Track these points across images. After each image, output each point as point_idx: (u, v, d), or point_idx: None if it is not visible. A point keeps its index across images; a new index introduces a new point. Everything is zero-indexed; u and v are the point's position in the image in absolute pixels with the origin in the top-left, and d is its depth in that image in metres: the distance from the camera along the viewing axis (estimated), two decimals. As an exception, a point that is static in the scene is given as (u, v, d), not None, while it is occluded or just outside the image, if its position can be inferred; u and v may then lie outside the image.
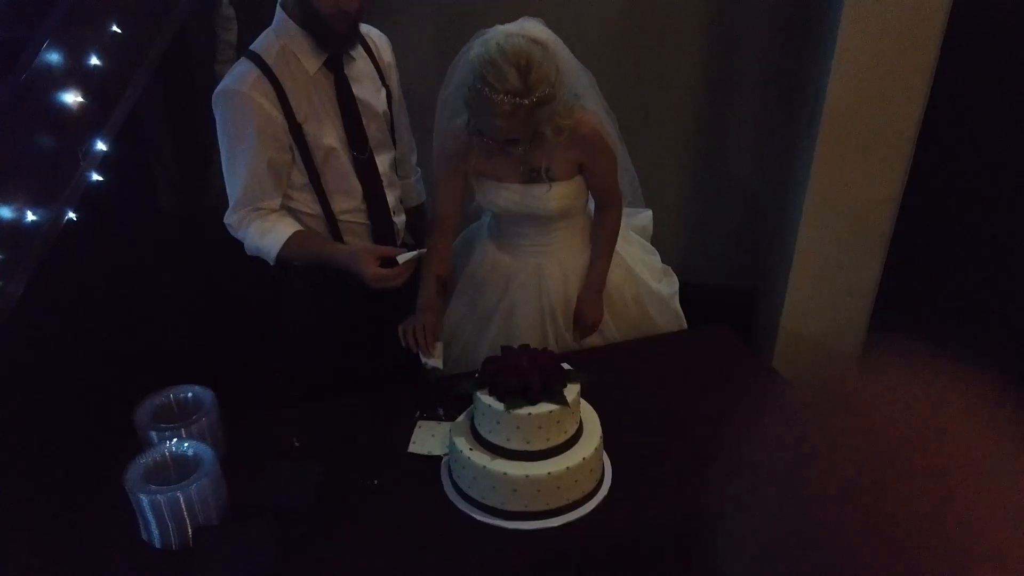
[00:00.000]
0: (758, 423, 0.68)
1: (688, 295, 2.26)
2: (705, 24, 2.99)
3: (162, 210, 4.08)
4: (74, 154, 2.17)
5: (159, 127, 3.85)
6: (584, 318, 2.06)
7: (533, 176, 1.93)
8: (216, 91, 1.78)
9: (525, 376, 1.54)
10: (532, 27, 1.77)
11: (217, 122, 1.81)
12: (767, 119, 3.14)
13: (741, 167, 3.29)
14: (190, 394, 1.72)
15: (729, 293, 3.23)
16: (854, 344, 2.51)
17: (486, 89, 1.67)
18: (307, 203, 1.91)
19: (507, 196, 1.97)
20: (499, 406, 1.53)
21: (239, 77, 1.76)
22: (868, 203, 2.31)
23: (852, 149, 2.26)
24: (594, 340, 2.13)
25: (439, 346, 1.85)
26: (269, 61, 1.76)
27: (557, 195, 1.95)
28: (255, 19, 3.15)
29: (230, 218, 1.87)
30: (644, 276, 2.19)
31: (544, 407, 1.52)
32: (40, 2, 2.11)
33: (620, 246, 2.11)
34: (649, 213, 2.30)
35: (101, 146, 2.23)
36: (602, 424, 1.64)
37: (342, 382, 1.98)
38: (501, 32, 1.73)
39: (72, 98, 2.11)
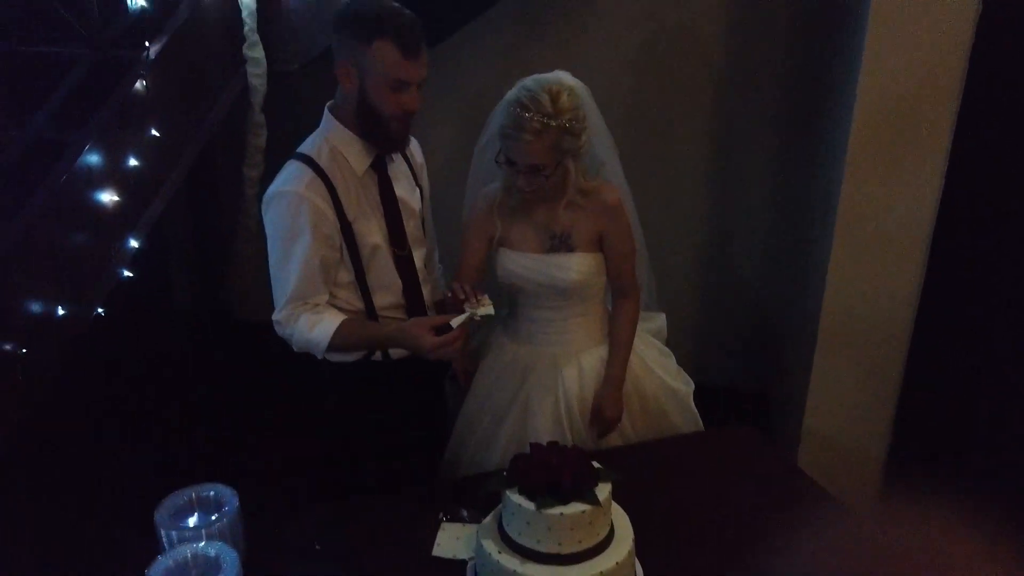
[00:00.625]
0: (792, 546, 0.68)
1: (697, 397, 2.22)
2: (710, 122, 3.11)
3: (178, 307, 4.12)
4: (107, 251, 2.23)
5: (181, 227, 3.95)
6: (603, 413, 2.03)
7: (555, 244, 1.98)
8: (270, 192, 1.82)
9: (556, 474, 1.50)
10: (565, 75, 1.90)
11: (270, 222, 1.83)
12: (775, 217, 3.22)
13: (749, 267, 3.33)
14: (212, 492, 1.67)
15: (738, 395, 3.21)
16: (880, 444, 2.48)
17: (518, 109, 1.80)
18: (350, 300, 1.93)
19: (527, 265, 2.00)
20: (530, 505, 1.48)
21: (294, 178, 1.80)
22: (888, 301, 2.33)
23: (868, 248, 2.30)
24: (612, 439, 2.10)
25: (486, 297, 1.81)
26: (321, 162, 1.81)
27: (576, 266, 1.97)
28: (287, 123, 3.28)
29: (279, 315, 1.87)
30: (661, 374, 2.18)
31: (576, 507, 1.48)
32: (88, 106, 2.22)
33: (637, 346, 2.12)
34: (663, 316, 2.31)
35: (133, 243, 2.29)
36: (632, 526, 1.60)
37: (369, 461, 1.98)
38: (537, 76, 1.88)
39: (108, 197, 2.19)
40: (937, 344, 2.40)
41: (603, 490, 1.53)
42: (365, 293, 1.92)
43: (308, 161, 1.82)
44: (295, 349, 1.89)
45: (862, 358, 2.42)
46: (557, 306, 2.05)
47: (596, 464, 1.59)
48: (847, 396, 2.47)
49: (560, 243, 1.98)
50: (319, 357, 1.89)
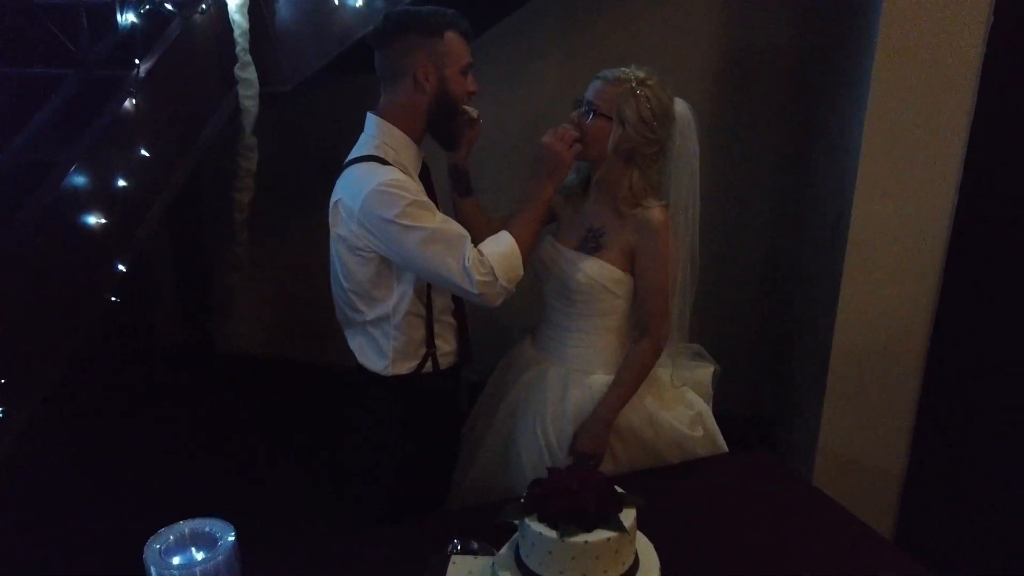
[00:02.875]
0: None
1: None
2: (711, 144, 3.10)
3: (160, 337, 4.01)
4: (93, 275, 2.14)
5: (164, 253, 3.85)
6: (576, 446, 1.94)
7: (587, 238, 1.94)
8: (371, 191, 1.70)
9: (578, 499, 1.42)
10: (681, 101, 1.90)
11: (390, 217, 1.70)
12: (779, 235, 3.20)
13: (751, 289, 3.30)
14: (207, 527, 1.56)
15: (741, 419, 3.12)
16: (898, 462, 2.44)
17: (621, 67, 1.87)
18: (415, 304, 1.86)
19: (551, 255, 1.97)
20: (552, 534, 1.39)
21: (385, 172, 1.73)
22: (903, 318, 2.29)
23: (881, 265, 2.28)
24: (605, 465, 1.99)
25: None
26: (391, 161, 1.78)
27: (587, 268, 1.91)
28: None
29: (469, 260, 1.72)
30: (674, 423, 2.02)
31: (601, 534, 1.39)
32: (75, 126, 2.14)
33: (659, 411, 1.99)
34: (711, 370, 2.13)
35: (120, 268, 2.20)
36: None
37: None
38: None
39: (95, 219, 2.10)
40: (954, 360, 2.37)
41: (628, 516, 1.44)
42: (430, 294, 1.88)
43: (381, 160, 1.77)
44: (500, 280, 1.74)
45: (878, 376, 2.38)
46: (562, 310, 1.99)
47: (619, 489, 1.52)
48: (863, 415, 2.42)
49: (591, 238, 1.94)
50: (519, 272, 1.78)
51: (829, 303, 2.39)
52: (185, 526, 1.57)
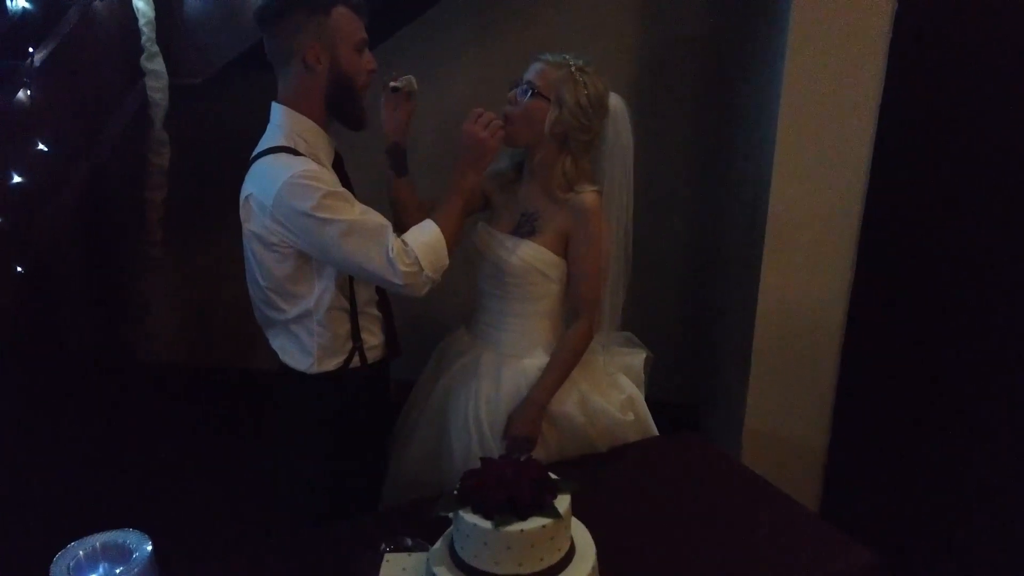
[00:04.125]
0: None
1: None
2: (633, 133, 3.12)
3: (68, 346, 3.78)
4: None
5: (73, 256, 3.63)
6: (509, 430, 1.93)
7: (521, 223, 1.94)
8: (284, 184, 1.62)
9: (513, 488, 1.40)
10: (616, 95, 1.91)
11: (306, 210, 1.62)
12: (696, 224, 3.26)
13: (673, 280, 3.36)
14: (121, 539, 1.47)
15: (664, 406, 3.15)
16: (821, 436, 2.53)
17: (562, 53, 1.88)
18: (338, 298, 1.79)
19: (486, 240, 1.96)
20: (486, 524, 1.37)
21: (298, 163, 1.65)
22: (820, 298, 2.36)
23: (799, 247, 2.33)
24: (536, 452, 1.96)
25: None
26: (303, 151, 1.70)
27: (521, 251, 1.91)
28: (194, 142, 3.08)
29: (393, 251, 1.66)
30: (603, 405, 2.03)
31: (536, 522, 1.37)
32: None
33: (592, 395, 1.99)
34: (643, 357, 2.14)
35: (18, 269, 2.06)
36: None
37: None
38: None
39: (-13, 217, 1.96)
40: (870, 337, 2.45)
41: (563, 502, 1.43)
42: (352, 287, 1.81)
43: (292, 151, 1.68)
44: (426, 270, 1.70)
45: (799, 356, 2.44)
46: (497, 295, 1.98)
47: (552, 475, 1.50)
48: (786, 394, 2.48)
49: (525, 223, 1.93)
50: (445, 262, 1.75)
51: (750, 286, 2.45)
52: (96, 539, 1.48)
